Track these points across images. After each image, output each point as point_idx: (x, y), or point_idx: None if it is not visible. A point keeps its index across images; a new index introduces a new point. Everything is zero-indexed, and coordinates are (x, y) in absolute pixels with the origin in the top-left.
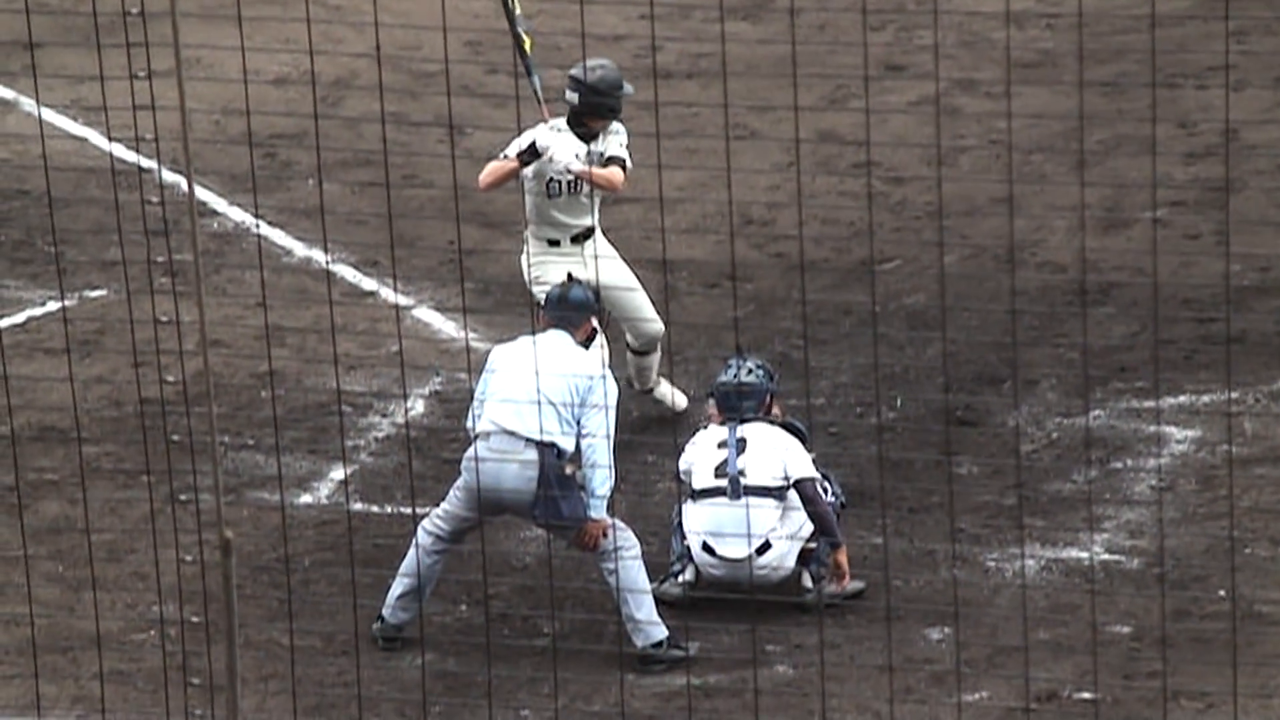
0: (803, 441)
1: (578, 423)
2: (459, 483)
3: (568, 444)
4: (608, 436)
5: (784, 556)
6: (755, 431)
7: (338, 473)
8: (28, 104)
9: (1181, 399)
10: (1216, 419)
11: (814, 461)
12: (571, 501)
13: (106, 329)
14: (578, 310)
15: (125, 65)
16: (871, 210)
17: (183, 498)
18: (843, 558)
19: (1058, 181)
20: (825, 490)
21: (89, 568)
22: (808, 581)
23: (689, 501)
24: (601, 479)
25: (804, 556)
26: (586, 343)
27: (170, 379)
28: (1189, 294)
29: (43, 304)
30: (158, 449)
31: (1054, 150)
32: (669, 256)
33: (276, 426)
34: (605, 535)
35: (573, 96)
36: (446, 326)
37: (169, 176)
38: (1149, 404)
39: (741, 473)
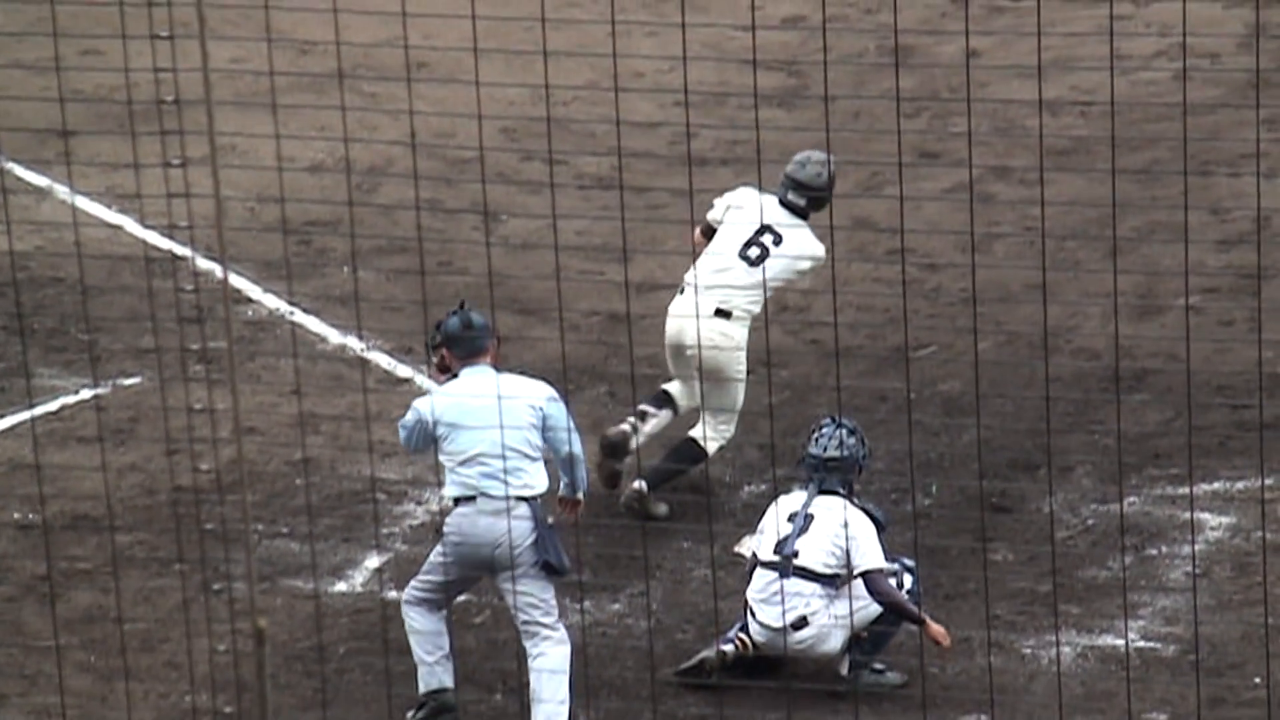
0: (879, 528)
1: (544, 443)
2: (443, 549)
3: (543, 481)
4: (577, 447)
5: (823, 638)
6: (826, 510)
7: (372, 561)
8: (62, 191)
9: (1216, 485)
10: (1251, 505)
11: (899, 553)
12: (557, 551)
13: (140, 417)
14: (485, 334)
15: (160, 152)
16: (906, 297)
17: (216, 587)
18: (932, 631)
19: (1091, 268)
20: (899, 581)
21: (121, 657)
22: (844, 669)
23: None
24: (581, 477)
25: (852, 641)
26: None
27: (204, 467)
28: (1223, 381)
29: (76, 392)
30: (191, 537)
31: (1087, 237)
32: None
33: (310, 514)
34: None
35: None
36: None
37: (203, 264)
38: (1183, 490)
39: (795, 553)
